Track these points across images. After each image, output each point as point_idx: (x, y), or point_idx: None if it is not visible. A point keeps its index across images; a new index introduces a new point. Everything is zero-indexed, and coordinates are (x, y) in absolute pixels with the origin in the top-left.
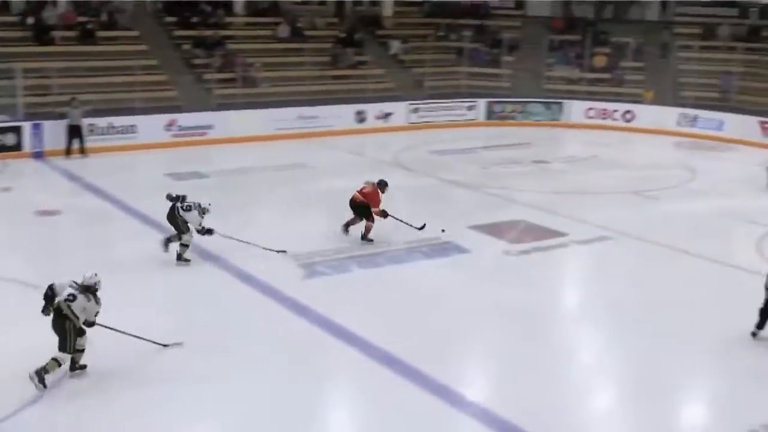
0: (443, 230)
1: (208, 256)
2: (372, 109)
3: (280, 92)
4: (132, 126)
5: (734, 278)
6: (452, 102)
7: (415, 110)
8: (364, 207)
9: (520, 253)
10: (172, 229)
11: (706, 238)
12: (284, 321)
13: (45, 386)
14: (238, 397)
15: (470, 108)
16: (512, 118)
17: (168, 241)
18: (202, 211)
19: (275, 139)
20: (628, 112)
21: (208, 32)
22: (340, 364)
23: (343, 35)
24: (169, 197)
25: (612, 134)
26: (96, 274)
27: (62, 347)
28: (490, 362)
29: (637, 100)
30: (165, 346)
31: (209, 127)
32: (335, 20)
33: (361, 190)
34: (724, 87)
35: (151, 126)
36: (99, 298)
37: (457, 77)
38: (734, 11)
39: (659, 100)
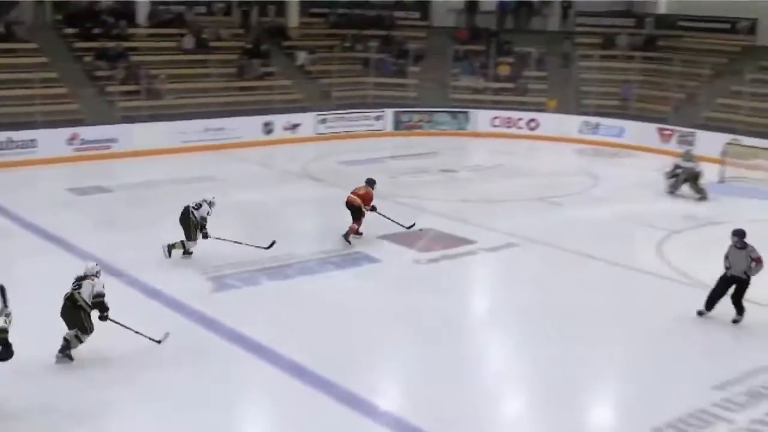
0: (417, 227)
1: (115, 272)
2: (279, 120)
3: (186, 104)
4: (32, 140)
5: (636, 280)
6: (360, 112)
7: (323, 121)
8: (358, 208)
9: (429, 262)
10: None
11: (609, 243)
12: (193, 336)
13: (72, 359)
14: (149, 415)
15: (378, 118)
16: (419, 127)
17: (171, 247)
18: (210, 204)
19: (181, 152)
20: (532, 120)
21: (111, 44)
22: (252, 377)
23: (249, 46)
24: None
25: (517, 142)
26: (96, 264)
27: (83, 330)
28: (402, 371)
29: (540, 108)
30: (158, 342)
31: (113, 140)
32: (241, 31)
33: (356, 192)
34: (623, 95)
35: (52, 140)
36: (100, 278)
37: (364, 88)
38: (631, 21)
39: (562, 109)
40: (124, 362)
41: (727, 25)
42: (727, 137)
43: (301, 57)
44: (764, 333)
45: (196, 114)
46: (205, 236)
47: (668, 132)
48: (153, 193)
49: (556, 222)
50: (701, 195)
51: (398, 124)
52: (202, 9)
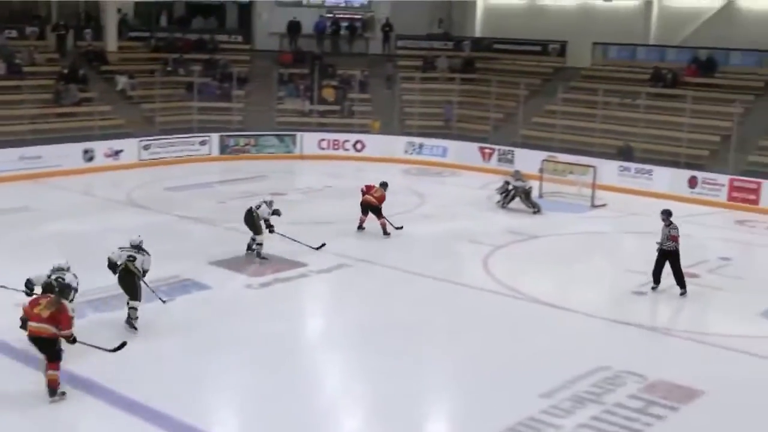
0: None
1: None
2: (100, 147)
3: None
4: None
5: (465, 295)
6: (184, 137)
7: (147, 147)
8: (375, 207)
9: (261, 286)
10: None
11: (438, 260)
12: (16, 376)
13: (137, 329)
14: None
15: (203, 143)
16: (246, 151)
17: (250, 246)
18: (269, 204)
19: None
20: (358, 142)
21: None
22: (82, 415)
23: (66, 71)
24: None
25: (345, 164)
26: (139, 235)
27: (133, 296)
28: (238, 397)
29: (366, 130)
30: (164, 302)
31: None
32: (56, 56)
33: (373, 194)
34: (445, 116)
35: None
36: (147, 251)
37: (188, 112)
38: (450, 44)
39: (387, 130)
40: None
41: (539, 48)
42: (543, 154)
43: (122, 82)
44: (585, 340)
45: (10, 142)
46: (271, 231)
47: (489, 150)
48: None
49: (385, 241)
50: (536, 209)
51: (224, 149)
52: (14, 33)
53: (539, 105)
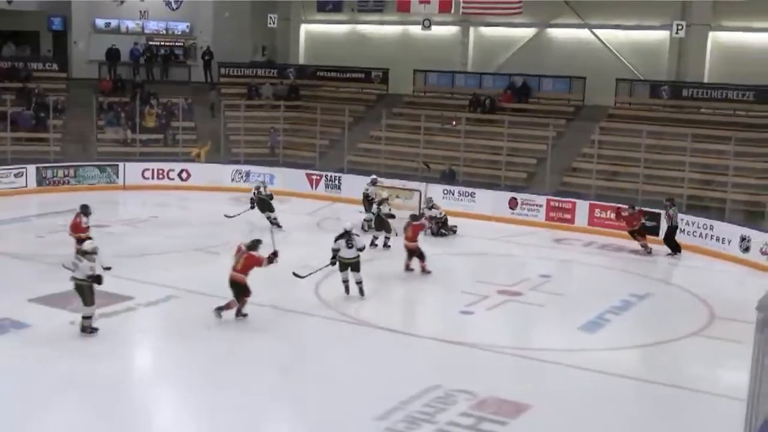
0: None
1: None
2: None
3: None
4: None
5: (297, 322)
6: None
7: None
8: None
9: None
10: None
11: (270, 287)
12: None
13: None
14: None
15: (18, 175)
16: (65, 183)
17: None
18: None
19: None
20: (183, 170)
21: None
22: None
23: None
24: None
25: (170, 194)
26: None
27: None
28: None
29: (191, 158)
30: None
31: None
32: None
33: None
34: (271, 143)
35: None
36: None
37: (1, 143)
38: (274, 72)
39: (213, 158)
40: None
41: (362, 75)
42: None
43: None
44: (417, 361)
45: None
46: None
47: (316, 177)
48: None
49: (214, 271)
50: (453, 232)
51: (42, 181)
52: None
53: (364, 131)
